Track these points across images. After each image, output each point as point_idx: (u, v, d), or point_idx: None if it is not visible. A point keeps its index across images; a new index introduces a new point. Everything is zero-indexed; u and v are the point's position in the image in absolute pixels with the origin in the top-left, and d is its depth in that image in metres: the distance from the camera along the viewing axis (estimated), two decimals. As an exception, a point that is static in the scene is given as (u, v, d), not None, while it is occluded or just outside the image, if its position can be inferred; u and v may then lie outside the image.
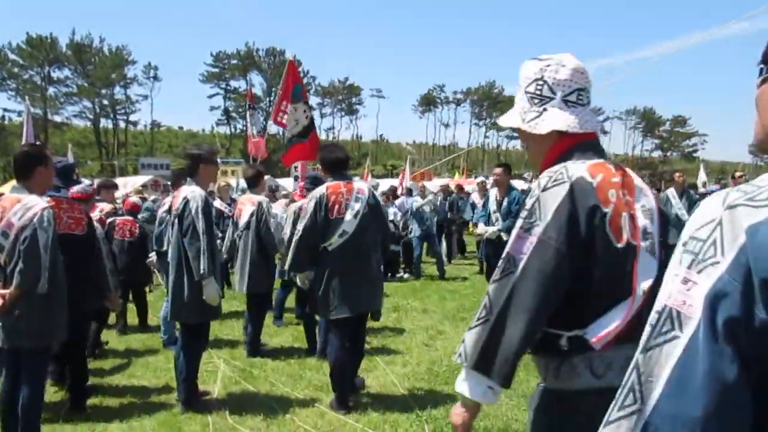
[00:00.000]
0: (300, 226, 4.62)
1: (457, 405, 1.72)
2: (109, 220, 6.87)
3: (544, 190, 1.66)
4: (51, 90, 64.99)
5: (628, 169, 1.78)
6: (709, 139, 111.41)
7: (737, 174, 11.22)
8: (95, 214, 6.04)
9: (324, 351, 5.39)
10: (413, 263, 11.71)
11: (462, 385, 1.67)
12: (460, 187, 16.09)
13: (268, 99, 76.11)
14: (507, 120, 1.89)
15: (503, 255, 1.65)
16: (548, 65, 1.80)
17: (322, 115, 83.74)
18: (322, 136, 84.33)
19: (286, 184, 20.44)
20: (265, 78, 75.13)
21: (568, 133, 1.76)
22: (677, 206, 10.43)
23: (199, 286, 4.47)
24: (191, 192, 4.55)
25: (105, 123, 71.72)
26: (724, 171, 64.08)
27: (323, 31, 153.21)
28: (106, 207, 7.08)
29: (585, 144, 1.77)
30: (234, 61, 74.49)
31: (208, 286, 4.45)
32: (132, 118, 73.55)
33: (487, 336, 1.61)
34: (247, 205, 6.32)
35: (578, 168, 1.67)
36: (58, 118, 66.96)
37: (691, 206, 10.54)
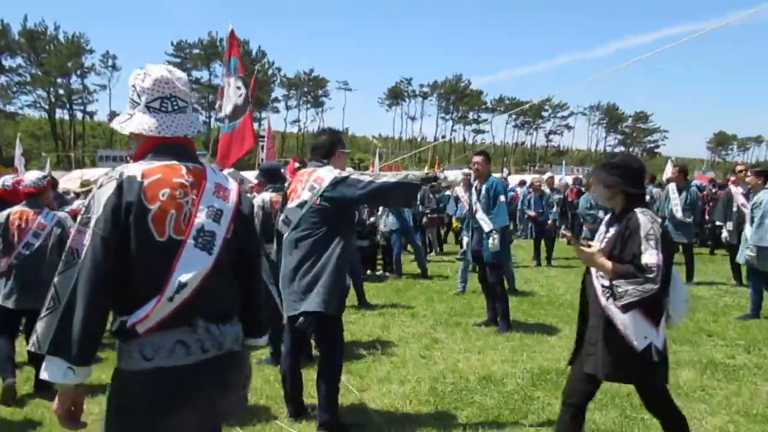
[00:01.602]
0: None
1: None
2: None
3: (100, 187, 1.87)
4: (2, 79, 62.17)
5: (216, 173, 2.06)
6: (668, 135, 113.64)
7: (738, 168, 10.48)
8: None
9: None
10: (393, 260, 10.97)
11: (44, 373, 1.81)
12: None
13: (232, 90, 74.40)
14: (113, 122, 2.07)
15: (66, 248, 1.82)
16: (139, 74, 2.00)
17: (288, 107, 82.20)
18: (288, 129, 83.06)
19: (251, 176, 19.47)
20: (228, 69, 73.26)
21: (151, 136, 1.96)
22: (674, 202, 9.88)
23: None
24: None
25: (61, 113, 69.09)
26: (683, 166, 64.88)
27: (289, 22, 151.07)
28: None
29: (164, 147, 1.96)
30: (196, 51, 72.47)
31: None
32: (90, 108, 70.88)
33: (57, 323, 1.78)
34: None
35: (134, 168, 1.89)
36: (10, 108, 64.23)
37: (693, 203, 10.01)
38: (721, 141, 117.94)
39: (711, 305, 7.98)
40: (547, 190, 12.60)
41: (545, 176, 13.51)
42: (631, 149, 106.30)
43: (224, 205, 1.96)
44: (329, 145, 4.21)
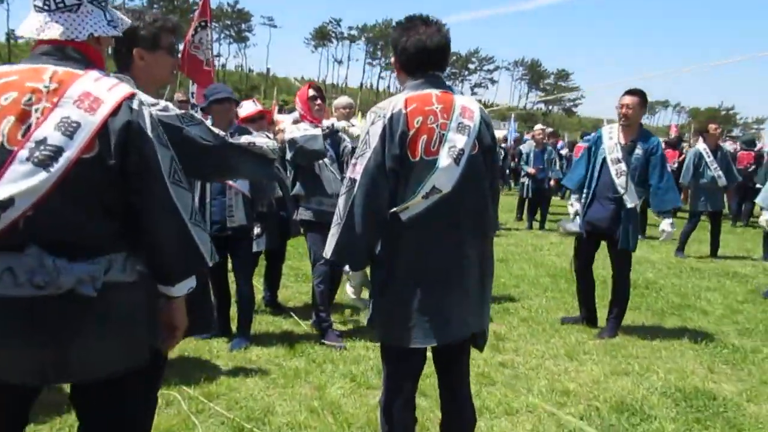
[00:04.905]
0: (354, 174, 2.35)
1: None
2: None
3: None
4: None
5: (104, 79, 1.73)
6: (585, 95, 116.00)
7: (712, 127, 9.43)
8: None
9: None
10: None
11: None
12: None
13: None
14: None
15: None
16: None
17: (208, 41, 77.23)
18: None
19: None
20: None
21: (34, 38, 1.78)
22: (712, 165, 8.72)
23: None
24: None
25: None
26: (597, 127, 65.99)
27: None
28: None
29: (41, 49, 1.76)
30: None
31: None
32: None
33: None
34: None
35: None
36: None
37: (727, 165, 8.92)
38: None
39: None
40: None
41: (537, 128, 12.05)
42: (550, 108, 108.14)
43: (86, 118, 1.64)
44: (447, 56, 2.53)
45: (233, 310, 4.68)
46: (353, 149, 4.50)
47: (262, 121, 5.27)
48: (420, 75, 2.42)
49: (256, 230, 4.66)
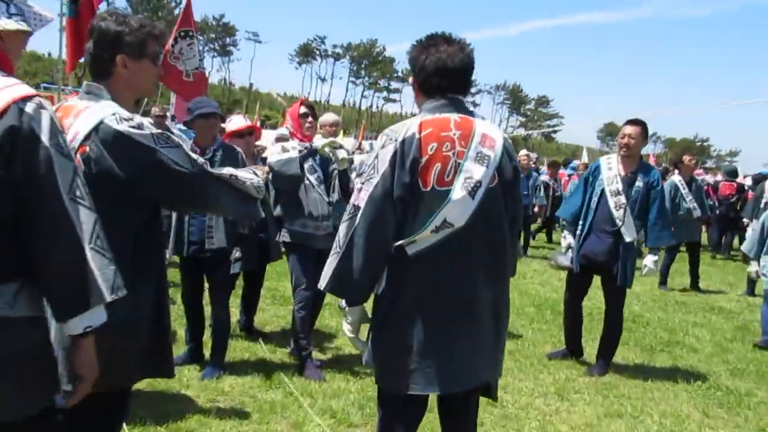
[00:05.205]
0: (358, 200, 2.15)
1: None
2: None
3: None
4: None
5: None
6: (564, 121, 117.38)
7: (687, 158, 9.29)
8: None
9: None
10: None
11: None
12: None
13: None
14: None
15: None
16: None
17: (191, 53, 76.98)
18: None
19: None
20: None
21: None
22: (687, 197, 8.62)
23: None
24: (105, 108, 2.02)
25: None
26: (575, 154, 66.54)
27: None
28: None
29: None
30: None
31: None
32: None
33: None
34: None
35: None
36: None
37: (701, 198, 8.84)
38: (610, 131, 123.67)
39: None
40: (546, 176, 11.15)
41: (533, 155, 11.95)
42: (530, 133, 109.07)
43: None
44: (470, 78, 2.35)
45: (206, 335, 4.43)
46: (340, 172, 4.30)
47: (251, 136, 5.04)
48: (439, 97, 2.23)
49: (236, 254, 4.41)
